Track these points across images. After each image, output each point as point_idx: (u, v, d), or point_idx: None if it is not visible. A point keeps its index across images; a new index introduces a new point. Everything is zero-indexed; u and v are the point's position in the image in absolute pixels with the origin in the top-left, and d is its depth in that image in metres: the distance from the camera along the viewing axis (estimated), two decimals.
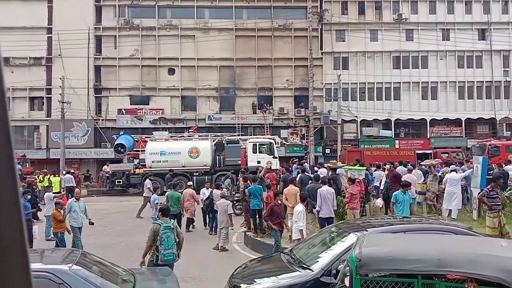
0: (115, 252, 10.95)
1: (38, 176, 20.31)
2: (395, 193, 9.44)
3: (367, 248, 3.80)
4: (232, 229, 11.23)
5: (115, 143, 27.04)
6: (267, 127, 34.91)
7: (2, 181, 0.60)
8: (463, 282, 3.48)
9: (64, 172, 22.59)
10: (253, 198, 11.23)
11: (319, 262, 5.37)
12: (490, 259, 3.62)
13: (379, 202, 12.54)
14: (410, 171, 13.52)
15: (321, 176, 11.73)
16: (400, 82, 36.40)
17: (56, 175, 19.88)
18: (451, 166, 15.14)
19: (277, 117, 36.24)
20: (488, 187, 9.47)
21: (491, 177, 10.97)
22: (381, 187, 13.10)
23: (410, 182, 10.24)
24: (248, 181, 12.04)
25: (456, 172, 13.79)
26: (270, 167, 15.79)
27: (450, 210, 12.51)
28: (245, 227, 12.60)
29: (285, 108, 36.29)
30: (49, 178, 19.79)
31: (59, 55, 35.00)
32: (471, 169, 14.67)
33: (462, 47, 36.33)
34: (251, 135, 32.60)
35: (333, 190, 9.99)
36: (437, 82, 36.53)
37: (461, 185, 14.51)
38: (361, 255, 3.66)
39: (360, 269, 3.61)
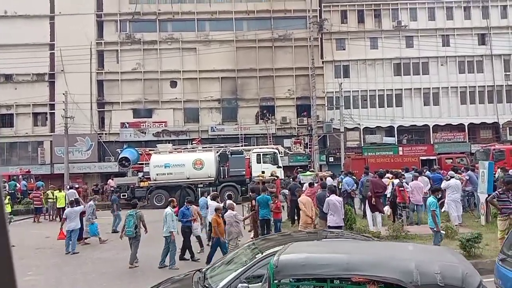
0: (124, 266, 10.91)
1: (44, 193, 20.35)
2: (431, 200, 9.16)
3: (284, 255, 4.06)
4: (239, 240, 11.17)
5: (119, 156, 27.10)
6: (270, 137, 34.95)
7: None
8: (365, 284, 3.73)
9: (67, 187, 22.63)
10: (262, 208, 11.20)
11: (221, 282, 5.35)
12: (390, 262, 3.87)
13: (387, 209, 12.49)
14: (416, 178, 13.47)
15: (328, 184, 11.71)
16: (401, 89, 36.48)
17: (62, 191, 19.90)
18: (450, 173, 14.97)
19: (280, 127, 36.30)
20: (499, 190, 9.43)
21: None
22: (388, 195, 13.02)
23: (440, 187, 10.09)
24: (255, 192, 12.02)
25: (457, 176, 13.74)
26: (277, 176, 15.79)
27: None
28: (252, 238, 12.54)
29: (288, 117, 36.37)
30: (52, 192, 19.83)
31: (62, 70, 35.26)
32: (467, 176, 14.66)
33: (463, 52, 36.46)
34: (254, 145, 32.66)
35: (341, 199, 9.97)
36: (438, 88, 36.60)
37: (468, 190, 14.49)
38: (278, 262, 3.89)
39: (276, 275, 3.86)
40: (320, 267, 3.90)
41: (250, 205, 12.30)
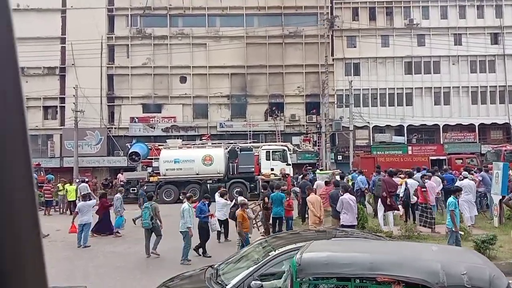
0: (136, 260, 10.98)
1: (55, 186, 20.51)
2: (451, 200, 9.08)
3: (307, 254, 4.05)
4: (249, 237, 11.16)
5: (130, 151, 27.17)
6: (278, 134, 34.89)
7: (21, 182, 0.60)
8: (390, 284, 3.72)
9: (77, 180, 22.78)
10: (275, 205, 11.17)
11: (234, 278, 5.35)
12: (415, 262, 3.89)
13: (400, 209, 12.41)
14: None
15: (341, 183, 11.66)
16: (412, 88, 36.20)
17: (73, 184, 20.02)
18: (463, 173, 14.85)
19: (289, 124, 36.21)
20: None
21: None
22: (401, 195, 12.93)
23: (461, 188, 10.00)
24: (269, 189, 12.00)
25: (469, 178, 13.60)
26: (288, 174, 15.75)
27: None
28: (262, 235, 12.53)
29: (297, 115, 36.26)
30: (63, 185, 19.95)
31: (73, 64, 35.41)
32: (480, 177, 14.52)
33: (475, 52, 36.08)
34: (262, 142, 32.63)
35: (354, 198, 9.92)
36: (449, 87, 36.27)
37: (481, 191, 14.36)
38: (301, 260, 3.89)
39: (299, 273, 3.86)
40: (343, 266, 3.89)
41: (262, 202, 12.27)
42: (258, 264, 5.38)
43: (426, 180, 12.04)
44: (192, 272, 6.79)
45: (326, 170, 22.29)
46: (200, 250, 10.94)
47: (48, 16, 36.23)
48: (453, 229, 8.74)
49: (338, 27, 36.12)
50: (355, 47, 36.83)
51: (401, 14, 36.90)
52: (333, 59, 36.34)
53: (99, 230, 14.23)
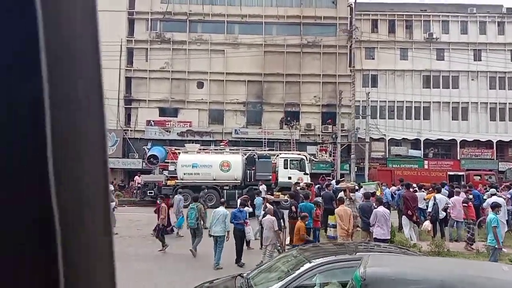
0: (159, 264, 10.91)
1: None
2: (492, 216, 8.92)
3: (371, 268, 3.89)
4: (280, 247, 11.02)
5: (148, 154, 27.20)
6: (293, 142, 34.78)
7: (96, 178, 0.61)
8: None
9: None
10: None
11: None
12: (489, 282, 3.73)
13: (428, 225, 12.21)
14: (457, 193, 13.16)
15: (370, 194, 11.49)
16: (430, 102, 35.98)
17: None
18: (491, 190, 14.64)
19: (304, 133, 36.09)
20: None
21: None
22: (429, 210, 12.74)
23: (500, 204, 9.82)
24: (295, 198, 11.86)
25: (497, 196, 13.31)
26: (312, 183, 15.59)
27: None
28: (288, 245, 12.38)
29: (312, 124, 36.14)
30: None
31: None
32: (509, 194, 14.27)
33: (494, 68, 35.82)
34: (277, 150, 32.51)
35: (388, 211, 9.76)
36: (468, 102, 35.99)
37: (509, 210, 14.09)
38: (366, 275, 3.73)
39: None
40: (412, 283, 3.74)
41: (289, 211, 12.13)
42: (293, 275, 5.24)
43: (470, 196, 11.85)
44: (220, 281, 6.67)
45: (345, 181, 22.03)
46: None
47: None
48: (496, 246, 8.56)
49: (357, 38, 36.05)
50: (373, 59, 36.76)
51: (421, 28, 36.81)
52: (351, 70, 36.26)
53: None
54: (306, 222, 10.20)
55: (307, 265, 5.38)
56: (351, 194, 13.58)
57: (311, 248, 7.34)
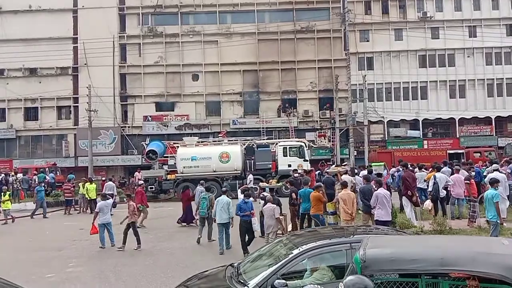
0: (164, 258, 10.89)
1: (75, 185, 20.56)
2: (494, 192, 8.88)
3: (371, 250, 3.88)
4: (282, 234, 10.99)
5: (147, 149, 27.16)
6: (292, 130, 34.70)
7: None
8: (465, 280, 3.56)
9: (103, 179, 22.97)
10: (304, 202, 11.01)
11: (256, 277, 5.15)
12: (491, 257, 3.69)
13: (428, 204, 12.19)
14: (457, 171, 13.12)
15: (374, 177, 11.44)
16: (426, 81, 35.82)
17: (93, 182, 19.99)
18: (493, 165, 14.59)
19: (302, 120, 35.99)
20: None
21: None
22: (429, 189, 12.71)
23: (498, 179, 9.74)
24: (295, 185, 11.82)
25: (500, 171, 13.26)
26: (312, 169, 15.54)
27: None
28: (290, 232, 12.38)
29: (310, 110, 36.02)
30: (83, 184, 19.94)
31: (85, 64, 35.50)
32: (508, 169, 14.21)
33: (490, 44, 35.60)
34: (276, 138, 32.46)
35: (389, 193, 9.72)
36: (465, 80, 35.83)
37: (510, 184, 14.05)
38: (366, 256, 3.74)
39: (364, 270, 3.70)
40: (412, 262, 3.72)
41: (289, 198, 12.11)
42: (282, 262, 5.18)
43: (472, 173, 11.78)
44: (212, 271, 6.60)
45: (340, 165, 22.02)
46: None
47: (60, 16, 36.35)
48: (498, 221, 8.54)
49: (350, 21, 35.73)
50: (368, 41, 36.51)
51: (414, 7, 36.49)
52: (346, 54, 36.01)
53: (185, 220, 15.23)
54: (321, 192, 10.54)
55: (295, 251, 5.32)
56: (351, 178, 13.56)
57: (303, 233, 7.29)
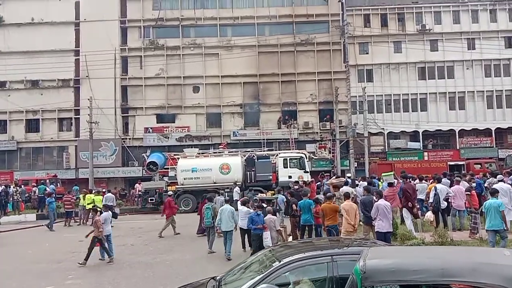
0: (163, 270, 10.84)
1: (77, 197, 20.51)
2: (498, 201, 9.02)
3: (371, 260, 3.84)
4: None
5: (148, 161, 27.19)
6: (292, 141, 34.76)
7: None
8: None
9: (103, 190, 22.88)
10: (304, 213, 10.99)
11: None
12: (492, 267, 3.65)
13: (430, 215, 12.16)
14: (458, 182, 13.12)
15: (374, 189, 11.44)
16: (426, 93, 35.98)
17: (100, 194, 19.81)
18: (498, 176, 14.56)
19: (302, 132, 36.07)
20: None
21: None
22: (430, 200, 12.69)
23: (498, 190, 9.80)
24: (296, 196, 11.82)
25: (504, 182, 13.25)
26: (312, 180, 15.53)
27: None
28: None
29: (310, 122, 36.13)
30: (84, 195, 19.89)
31: (87, 76, 35.73)
32: (509, 181, 14.18)
33: (489, 56, 35.85)
34: (276, 150, 32.50)
35: (389, 204, 9.71)
36: (464, 92, 36.00)
37: None
38: (366, 267, 3.69)
39: (364, 281, 3.65)
40: (412, 273, 3.68)
41: (290, 210, 12.09)
42: (262, 275, 4.98)
43: (473, 184, 11.78)
44: (193, 284, 6.55)
45: (341, 177, 21.98)
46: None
47: (62, 29, 36.68)
48: (505, 229, 8.54)
49: (350, 34, 36.03)
50: (367, 53, 36.77)
51: (413, 20, 36.83)
52: (345, 66, 36.26)
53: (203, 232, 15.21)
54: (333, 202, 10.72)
55: (276, 264, 5.24)
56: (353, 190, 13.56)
57: (297, 244, 7.21)
